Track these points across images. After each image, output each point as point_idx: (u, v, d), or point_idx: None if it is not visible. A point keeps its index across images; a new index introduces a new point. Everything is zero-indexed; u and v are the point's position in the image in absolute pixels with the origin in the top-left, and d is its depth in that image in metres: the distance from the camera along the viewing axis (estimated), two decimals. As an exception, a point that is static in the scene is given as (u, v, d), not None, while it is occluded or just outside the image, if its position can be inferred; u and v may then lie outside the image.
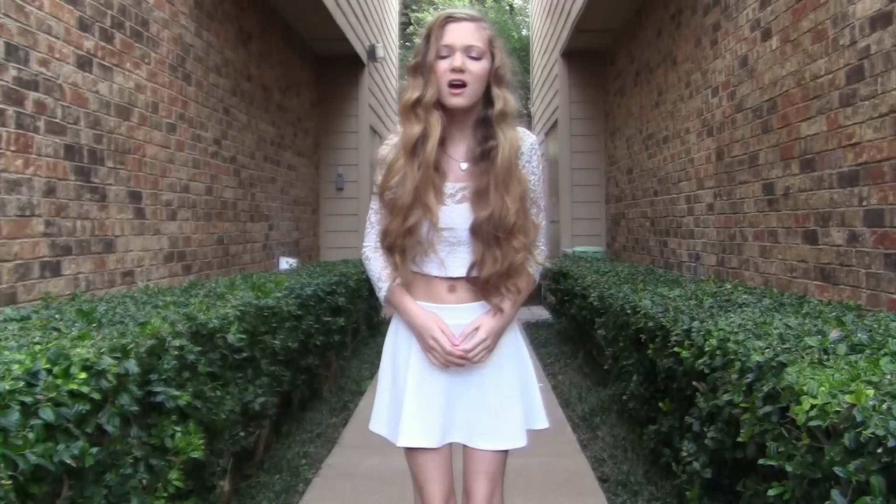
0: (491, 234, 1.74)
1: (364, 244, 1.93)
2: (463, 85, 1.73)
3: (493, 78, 1.77)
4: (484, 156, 1.78)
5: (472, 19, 1.77)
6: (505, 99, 1.77)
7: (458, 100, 1.74)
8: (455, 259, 1.80)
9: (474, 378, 1.82)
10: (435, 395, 1.80)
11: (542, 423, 1.91)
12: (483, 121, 1.80)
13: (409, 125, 1.76)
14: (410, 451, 1.82)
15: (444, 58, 1.74)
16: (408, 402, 1.80)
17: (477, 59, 1.74)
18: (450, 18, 1.76)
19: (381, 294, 1.87)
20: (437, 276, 1.82)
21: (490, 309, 1.81)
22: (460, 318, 1.81)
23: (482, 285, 1.78)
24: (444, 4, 21.94)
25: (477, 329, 1.79)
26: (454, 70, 1.72)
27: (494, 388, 1.82)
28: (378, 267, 1.87)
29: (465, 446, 1.84)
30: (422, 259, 1.81)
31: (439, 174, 1.78)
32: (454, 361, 1.77)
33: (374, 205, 1.88)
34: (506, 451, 1.84)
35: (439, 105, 1.76)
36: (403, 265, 1.80)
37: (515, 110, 1.80)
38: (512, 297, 1.81)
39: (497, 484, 1.84)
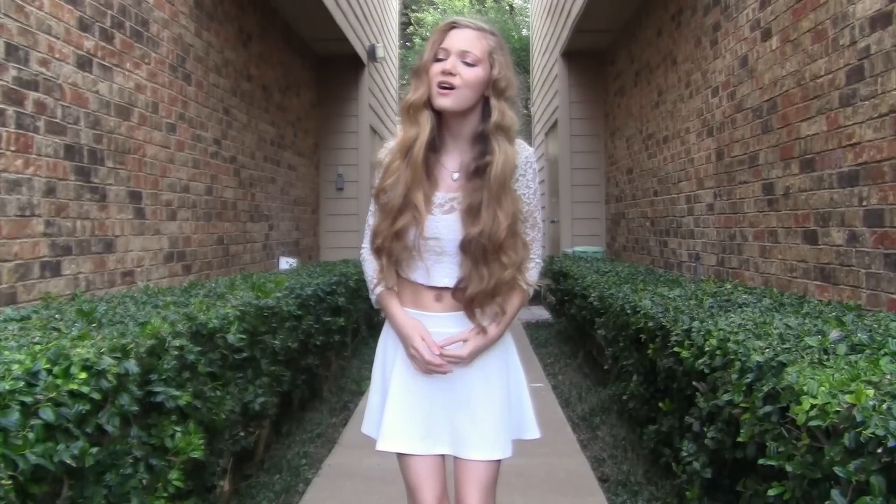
0: (480, 250, 1.73)
1: (362, 245, 1.93)
2: (451, 87, 1.73)
3: (492, 89, 1.77)
4: (479, 171, 1.76)
5: (475, 28, 1.77)
6: (502, 111, 1.76)
7: (444, 101, 1.73)
8: (440, 269, 1.80)
9: (460, 387, 1.82)
10: (417, 402, 1.80)
11: (534, 433, 1.90)
12: (482, 135, 1.79)
13: (407, 127, 1.78)
14: (401, 456, 1.82)
15: (439, 60, 1.75)
16: (389, 407, 1.80)
17: (471, 65, 1.74)
18: (453, 24, 1.77)
19: (372, 297, 1.89)
20: (423, 285, 1.82)
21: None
22: (446, 327, 1.81)
23: (467, 302, 1.77)
24: (445, 4, 21.95)
25: (463, 341, 1.79)
26: (444, 72, 1.72)
27: (481, 397, 1.81)
28: (372, 269, 1.88)
29: (455, 457, 1.84)
30: (409, 265, 1.82)
31: (430, 182, 1.78)
32: (434, 370, 1.78)
33: (373, 207, 1.88)
34: (498, 461, 1.83)
35: (429, 106, 1.76)
36: (389, 268, 1.81)
37: (514, 125, 1.78)
38: (497, 319, 1.80)
39: (490, 495, 1.83)
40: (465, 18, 1.80)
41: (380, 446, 1.79)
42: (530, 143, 1.93)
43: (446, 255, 1.79)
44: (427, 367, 1.78)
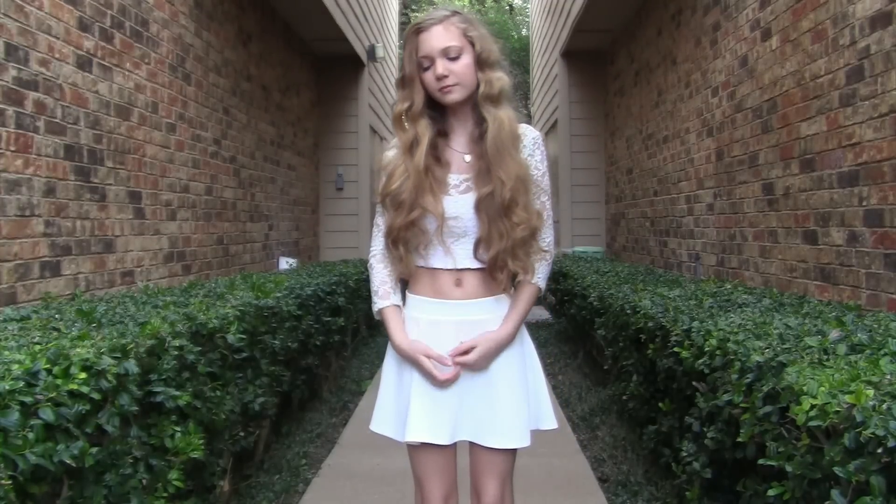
0: (493, 209, 1.76)
1: (371, 251, 1.92)
2: (452, 85, 1.76)
3: (477, 64, 1.80)
4: (481, 137, 1.81)
5: (439, 21, 1.79)
6: (488, 81, 1.79)
7: (452, 96, 1.78)
8: (462, 249, 1.81)
9: (481, 377, 1.82)
10: (446, 393, 1.80)
11: (551, 423, 1.91)
12: (475, 106, 1.83)
13: (402, 133, 1.82)
14: (413, 448, 1.82)
15: (427, 69, 1.78)
16: (416, 398, 1.80)
17: (456, 58, 1.77)
18: (419, 30, 1.80)
19: (375, 308, 1.88)
20: (442, 269, 1.82)
21: (499, 302, 1.83)
22: (467, 315, 1.82)
23: (490, 265, 1.79)
24: (444, 4, 21.92)
25: (472, 348, 1.79)
26: (438, 78, 1.76)
27: (502, 387, 1.82)
28: (378, 279, 1.87)
29: (472, 447, 1.84)
30: (427, 252, 1.82)
31: (442, 166, 1.81)
32: (448, 381, 1.79)
33: (379, 209, 1.89)
34: (514, 451, 1.84)
35: (427, 111, 1.81)
36: (408, 256, 1.81)
37: (503, 89, 1.80)
38: (526, 276, 1.82)
39: (507, 484, 1.85)
40: (426, 18, 1.82)
41: (409, 437, 1.78)
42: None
43: (468, 235, 1.81)
44: (440, 382, 1.79)
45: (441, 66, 1.75)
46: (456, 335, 1.81)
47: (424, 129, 1.79)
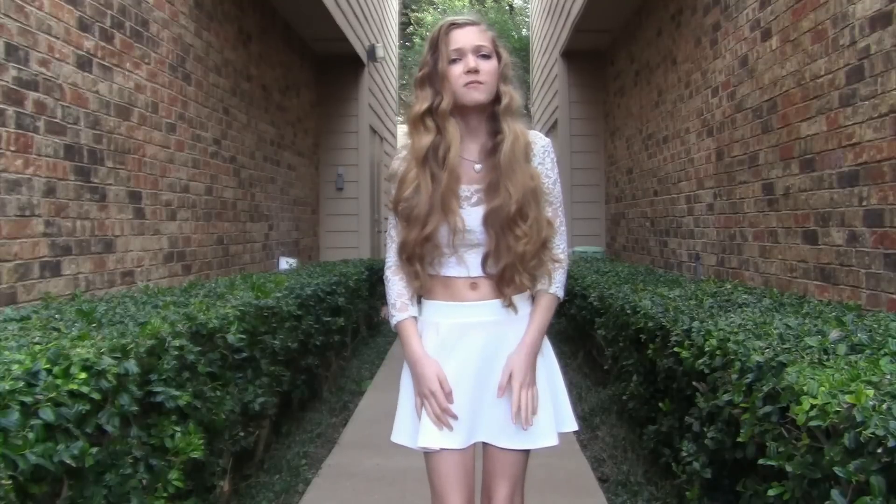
0: (498, 224, 1.75)
1: (387, 262, 1.90)
2: (480, 83, 1.76)
3: (500, 76, 1.81)
4: (495, 149, 1.80)
5: (474, 23, 1.81)
6: (510, 95, 1.80)
7: (477, 95, 1.76)
8: (475, 258, 1.81)
9: (498, 380, 1.81)
10: (463, 400, 1.79)
11: (571, 425, 1.91)
12: (491, 116, 1.82)
13: (419, 136, 1.78)
14: (430, 456, 1.79)
15: (454, 62, 1.76)
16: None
17: (487, 57, 1.78)
18: (454, 25, 1.80)
19: (393, 321, 1.86)
20: (457, 277, 1.81)
21: (515, 312, 1.81)
22: (483, 316, 1.81)
23: (497, 278, 1.79)
24: (444, 4, 21.95)
25: (510, 378, 1.78)
26: (469, 71, 1.75)
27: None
28: (395, 292, 1.85)
29: (486, 448, 1.83)
30: (440, 262, 1.81)
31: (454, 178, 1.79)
32: (443, 418, 1.77)
33: (392, 220, 1.86)
34: (527, 453, 1.83)
35: (454, 112, 1.79)
36: (423, 272, 1.81)
37: (520, 105, 1.83)
38: (539, 284, 1.82)
39: (518, 486, 1.83)
40: (460, 17, 1.83)
41: (421, 443, 1.77)
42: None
43: (481, 245, 1.80)
44: (437, 413, 1.78)
45: (473, 60, 1.75)
46: (477, 336, 1.81)
47: (454, 130, 1.76)
